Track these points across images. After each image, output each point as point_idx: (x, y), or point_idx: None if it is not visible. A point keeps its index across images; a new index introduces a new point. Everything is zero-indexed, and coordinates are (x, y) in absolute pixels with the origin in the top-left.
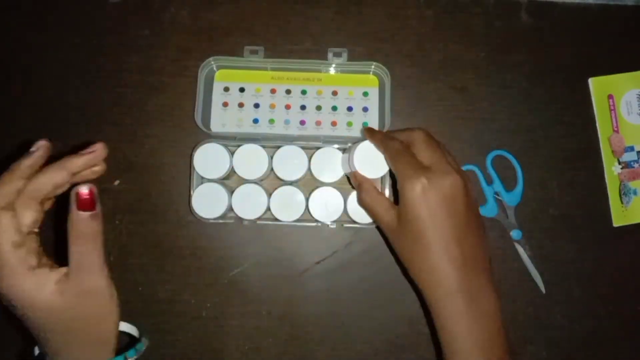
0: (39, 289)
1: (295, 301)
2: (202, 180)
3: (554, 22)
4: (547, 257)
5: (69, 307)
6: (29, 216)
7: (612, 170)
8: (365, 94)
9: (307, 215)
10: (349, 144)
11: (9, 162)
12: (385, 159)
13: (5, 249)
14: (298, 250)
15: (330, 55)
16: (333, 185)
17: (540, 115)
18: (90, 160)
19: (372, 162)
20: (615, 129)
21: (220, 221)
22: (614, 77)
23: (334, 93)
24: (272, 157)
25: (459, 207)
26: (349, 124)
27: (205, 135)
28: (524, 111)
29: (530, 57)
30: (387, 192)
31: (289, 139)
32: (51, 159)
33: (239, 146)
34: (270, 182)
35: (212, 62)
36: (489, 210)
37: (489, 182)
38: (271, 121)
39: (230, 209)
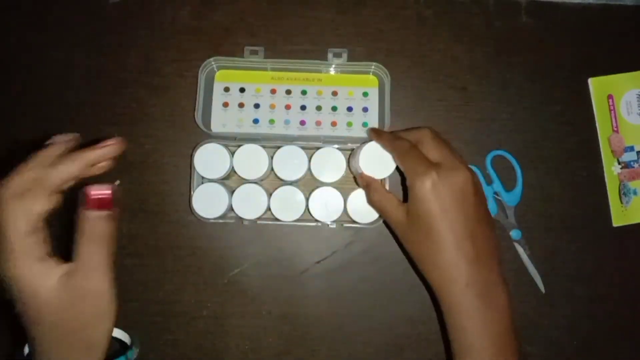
0: (43, 279)
1: (295, 301)
2: (203, 180)
3: (554, 22)
4: (547, 257)
5: (67, 303)
6: (42, 206)
7: (611, 170)
8: (365, 94)
9: (307, 215)
10: (354, 145)
11: (9, 162)
12: (394, 157)
13: (16, 235)
14: (298, 250)
15: (330, 55)
16: (333, 185)
17: (540, 115)
18: (106, 154)
19: (377, 163)
20: (615, 129)
21: (220, 221)
22: (613, 77)
23: (334, 93)
24: (272, 157)
25: (470, 201)
26: (349, 124)
27: (206, 136)
28: (524, 111)
29: (530, 57)
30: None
31: (289, 139)
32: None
33: (239, 146)
34: (270, 182)
35: (213, 63)
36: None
37: (489, 182)
38: (271, 121)
39: (230, 209)
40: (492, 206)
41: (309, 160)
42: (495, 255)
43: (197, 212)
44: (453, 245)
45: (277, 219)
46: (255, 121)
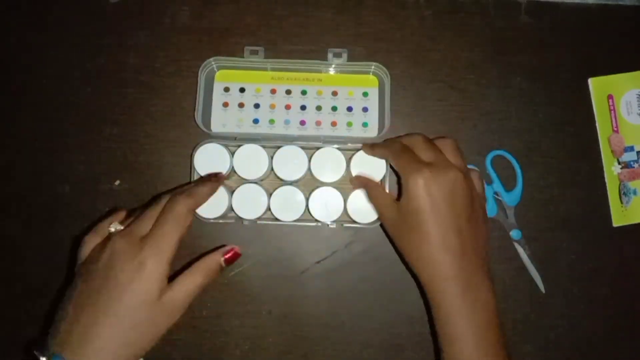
0: (152, 288)
1: (295, 301)
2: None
3: (554, 22)
4: (547, 257)
5: (151, 311)
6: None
7: (611, 170)
8: (365, 94)
9: (307, 215)
10: (354, 145)
11: (9, 162)
12: (389, 159)
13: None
14: (298, 250)
15: (330, 55)
16: (333, 185)
17: (540, 115)
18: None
19: (368, 170)
20: (615, 129)
21: (220, 221)
22: (613, 77)
23: (334, 93)
24: (272, 157)
25: (461, 199)
26: (349, 124)
27: (206, 136)
28: (523, 111)
29: (530, 57)
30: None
31: (289, 139)
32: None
33: (239, 146)
34: (270, 182)
35: (213, 63)
36: (488, 210)
37: (489, 182)
38: (271, 121)
39: (230, 209)
40: (492, 206)
41: (309, 160)
42: (482, 254)
43: (197, 212)
44: (439, 239)
45: (277, 219)
46: (255, 121)
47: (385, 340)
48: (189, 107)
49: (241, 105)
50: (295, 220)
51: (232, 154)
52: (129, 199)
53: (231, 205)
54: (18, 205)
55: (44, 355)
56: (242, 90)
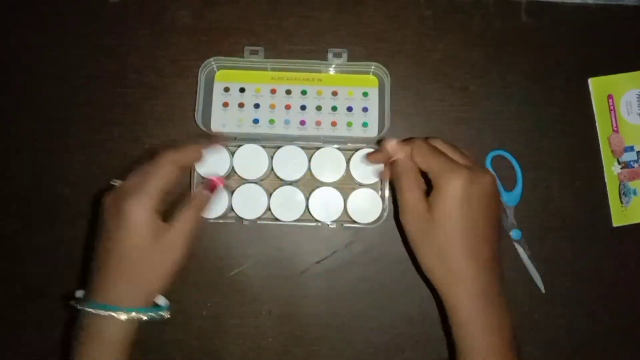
0: (147, 224)
1: (295, 301)
2: (203, 180)
3: (554, 22)
4: (547, 257)
5: (151, 249)
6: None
7: (611, 170)
8: (365, 94)
9: (307, 215)
10: (354, 145)
11: (9, 162)
12: (417, 158)
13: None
14: (298, 250)
15: (330, 55)
16: (333, 185)
17: (540, 115)
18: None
19: (368, 170)
20: (615, 129)
21: (220, 221)
22: (613, 77)
23: (334, 93)
24: (272, 157)
25: (493, 207)
26: (349, 124)
27: (206, 136)
28: (524, 111)
29: (530, 57)
30: (386, 194)
31: (289, 139)
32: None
33: (239, 146)
34: (270, 182)
35: (213, 63)
36: None
37: None
38: (271, 121)
39: (230, 209)
40: None
41: (309, 160)
42: (500, 265)
43: None
44: (472, 249)
45: (277, 219)
46: (255, 121)
47: (385, 340)
48: (189, 107)
49: (241, 105)
50: (295, 220)
51: (232, 154)
52: None
53: (231, 205)
54: (18, 205)
55: (80, 304)
56: (242, 90)
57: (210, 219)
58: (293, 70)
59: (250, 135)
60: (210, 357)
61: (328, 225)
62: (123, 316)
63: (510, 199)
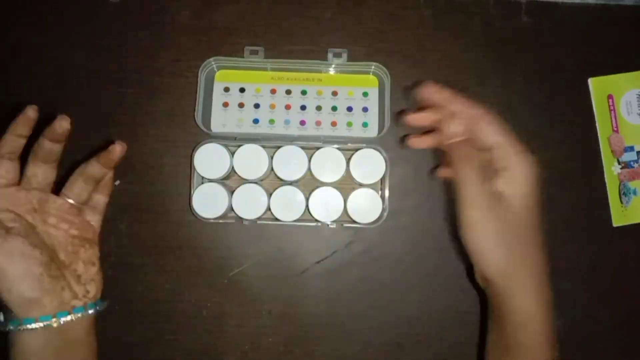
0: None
1: (295, 301)
2: (203, 180)
3: (554, 22)
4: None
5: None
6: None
7: (611, 170)
8: (365, 94)
9: (307, 215)
10: (355, 145)
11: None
12: (479, 120)
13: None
14: (298, 250)
15: (330, 55)
16: (333, 185)
17: (540, 115)
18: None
19: (367, 169)
20: (615, 129)
21: (220, 221)
22: (613, 77)
23: (334, 93)
24: (272, 157)
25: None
26: (349, 124)
27: (206, 136)
28: (524, 111)
29: (530, 57)
30: (386, 194)
31: (289, 139)
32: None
33: (239, 146)
34: (270, 182)
35: (213, 63)
36: None
37: None
38: (271, 121)
39: (230, 209)
40: None
41: (309, 160)
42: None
43: (197, 212)
44: (536, 236)
45: (277, 219)
46: (255, 121)
47: (385, 340)
48: (189, 107)
49: (241, 105)
50: (295, 220)
51: (232, 154)
52: (129, 199)
53: (231, 205)
54: None
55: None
56: (242, 90)
57: (210, 219)
58: (293, 70)
59: (250, 135)
60: (210, 357)
61: (328, 225)
62: (34, 325)
63: None
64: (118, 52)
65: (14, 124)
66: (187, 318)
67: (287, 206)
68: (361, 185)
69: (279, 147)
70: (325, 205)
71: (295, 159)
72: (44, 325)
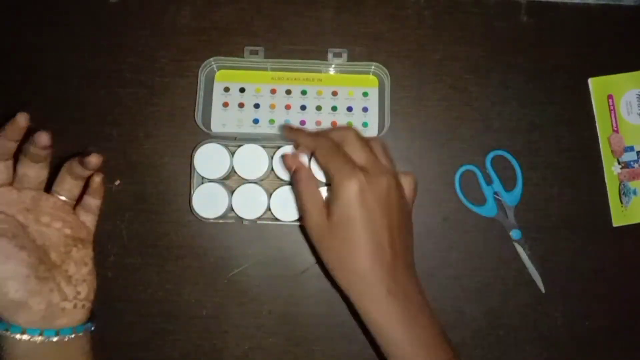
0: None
1: (295, 301)
2: (203, 180)
3: (554, 22)
4: (547, 257)
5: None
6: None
7: (611, 170)
8: (365, 94)
9: None
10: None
11: None
12: (315, 156)
13: None
14: (298, 250)
15: (330, 55)
16: None
17: (540, 115)
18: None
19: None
20: (615, 129)
21: (220, 221)
22: (613, 77)
23: (334, 93)
24: (272, 157)
25: (393, 208)
26: (349, 124)
27: (206, 135)
28: (524, 111)
29: (530, 57)
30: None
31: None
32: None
33: (239, 146)
34: (270, 182)
35: (213, 63)
36: (488, 210)
37: (489, 182)
38: (271, 121)
39: (230, 209)
40: (492, 206)
41: (309, 161)
42: (412, 262)
43: (197, 212)
44: (373, 253)
45: (277, 219)
46: (255, 121)
47: None
48: (189, 107)
49: (241, 105)
50: (295, 220)
51: (232, 154)
52: (129, 199)
53: (231, 205)
54: None
55: None
56: (242, 90)
57: (210, 219)
58: (293, 70)
59: (250, 135)
60: (210, 357)
61: None
62: (18, 336)
63: (510, 199)
64: (118, 52)
65: (4, 130)
66: (187, 318)
67: (287, 206)
68: None
69: (279, 147)
70: None
71: None
72: (29, 339)
